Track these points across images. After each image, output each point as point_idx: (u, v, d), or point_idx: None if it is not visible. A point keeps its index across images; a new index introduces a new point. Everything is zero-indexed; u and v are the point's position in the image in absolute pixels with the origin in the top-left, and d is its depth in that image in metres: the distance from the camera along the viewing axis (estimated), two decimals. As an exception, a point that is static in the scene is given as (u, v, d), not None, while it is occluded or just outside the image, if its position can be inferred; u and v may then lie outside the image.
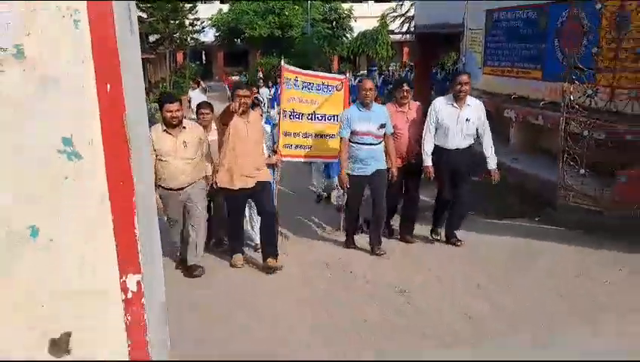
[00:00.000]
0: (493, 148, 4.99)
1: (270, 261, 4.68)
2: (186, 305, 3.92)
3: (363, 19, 26.47)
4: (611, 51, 5.92)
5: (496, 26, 9.65)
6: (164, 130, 4.34)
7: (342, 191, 5.68)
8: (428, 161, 5.02)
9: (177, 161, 4.31)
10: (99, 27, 1.22)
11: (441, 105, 4.98)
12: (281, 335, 3.60)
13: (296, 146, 5.68)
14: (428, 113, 5.05)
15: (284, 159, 5.56)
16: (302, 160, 5.97)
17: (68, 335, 1.49)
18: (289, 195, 7.11)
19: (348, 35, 25.80)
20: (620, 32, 5.86)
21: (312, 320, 3.81)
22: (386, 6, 23.75)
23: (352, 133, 4.90)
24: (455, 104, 4.90)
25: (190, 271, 4.60)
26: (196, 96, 14.15)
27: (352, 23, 26.49)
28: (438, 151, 5.01)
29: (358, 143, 4.91)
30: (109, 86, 1.29)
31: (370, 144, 4.91)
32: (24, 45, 1.24)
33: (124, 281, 1.47)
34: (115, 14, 1.23)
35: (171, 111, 4.29)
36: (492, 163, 4.98)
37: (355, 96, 5.63)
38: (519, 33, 8.80)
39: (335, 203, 6.82)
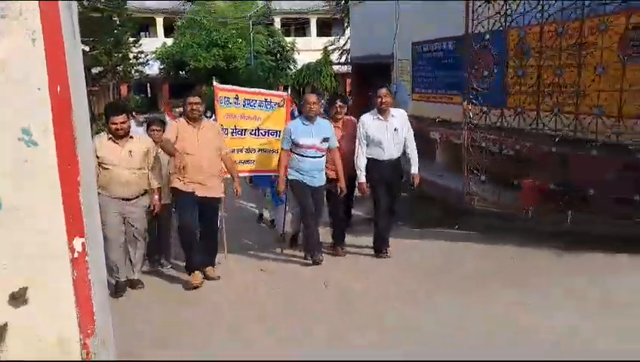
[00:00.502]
0: (416, 154, 5.23)
1: (209, 270, 4.84)
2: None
3: (306, 52, 27.48)
4: (514, 77, 6.77)
5: (422, 57, 10.56)
6: (110, 139, 4.30)
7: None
8: (362, 178, 5.15)
9: (121, 170, 4.24)
10: (51, 42, 1.65)
11: (368, 121, 5.16)
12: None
13: (240, 162, 5.78)
14: (357, 130, 5.21)
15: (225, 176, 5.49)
16: (246, 175, 6.15)
17: (25, 289, 1.85)
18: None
19: (292, 67, 26.68)
20: (521, 61, 6.71)
21: (258, 322, 3.89)
22: (327, 39, 24.85)
23: (296, 145, 4.99)
24: (381, 117, 5.12)
25: (132, 284, 4.65)
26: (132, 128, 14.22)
27: (296, 56, 27.43)
28: (372, 164, 5.14)
29: (302, 156, 5.01)
30: (59, 88, 1.71)
31: (314, 157, 5.01)
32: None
33: (72, 243, 1.85)
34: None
35: (116, 124, 4.23)
36: (414, 168, 5.22)
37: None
38: (441, 63, 9.69)
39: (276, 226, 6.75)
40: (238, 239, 6.35)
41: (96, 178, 4.02)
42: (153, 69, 25.55)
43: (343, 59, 19.19)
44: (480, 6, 5.71)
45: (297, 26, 35.12)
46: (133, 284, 4.71)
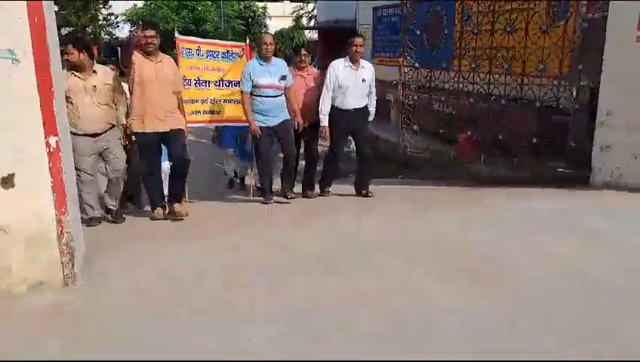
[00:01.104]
0: (374, 107, 5.34)
1: (176, 206, 4.58)
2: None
3: (278, 18, 27.57)
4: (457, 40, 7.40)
5: (381, 22, 11.10)
6: (72, 73, 4.24)
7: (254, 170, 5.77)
8: (324, 121, 5.17)
9: (87, 104, 4.22)
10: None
11: (339, 67, 5.12)
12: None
13: (204, 112, 5.82)
14: (327, 74, 5.17)
15: (190, 125, 5.38)
16: (210, 125, 6.21)
17: (12, 175, 2.44)
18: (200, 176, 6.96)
19: (263, 32, 26.80)
20: (463, 27, 7.33)
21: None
22: (297, 5, 25.05)
23: (255, 86, 5.03)
24: (352, 66, 5.09)
25: (115, 216, 4.53)
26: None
27: (268, 21, 27.51)
28: (336, 112, 5.16)
29: (261, 96, 5.06)
30: (36, 18, 2.27)
31: (273, 96, 5.07)
32: None
33: (47, 140, 2.44)
34: None
35: (68, 54, 4.13)
36: (372, 111, 5.32)
37: None
38: (397, 28, 10.25)
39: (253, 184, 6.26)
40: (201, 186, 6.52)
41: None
42: (124, 31, 25.34)
43: (311, 25, 19.55)
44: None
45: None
46: (116, 216, 4.58)
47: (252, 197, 5.67)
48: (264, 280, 2.95)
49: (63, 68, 3.42)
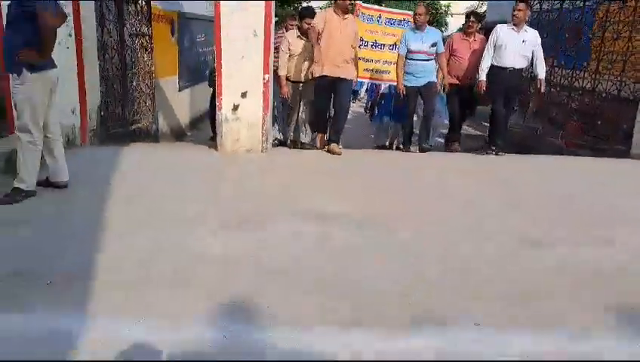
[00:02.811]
0: (543, 65, 5.65)
1: (333, 147, 5.32)
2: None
3: (460, 16, 28.63)
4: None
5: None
6: (298, 36, 5.56)
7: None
8: (482, 76, 5.60)
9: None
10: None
11: (502, 29, 5.54)
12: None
13: (376, 71, 6.50)
14: (490, 35, 5.61)
15: (362, 80, 6.39)
16: (380, 82, 6.76)
17: (246, 92, 4.93)
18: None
19: (443, 30, 28.12)
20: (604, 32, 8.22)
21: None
22: (472, 4, 25.87)
23: (409, 51, 5.57)
24: (515, 28, 5.49)
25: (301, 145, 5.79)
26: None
27: (448, 19, 28.78)
28: (495, 69, 5.55)
29: (413, 60, 5.60)
30: (267, 10, 4.69)
31: (422, 60, 5.60)
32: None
33: (264, 76, 4.85)
34: None
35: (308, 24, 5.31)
36: (541, 73, 5.61)
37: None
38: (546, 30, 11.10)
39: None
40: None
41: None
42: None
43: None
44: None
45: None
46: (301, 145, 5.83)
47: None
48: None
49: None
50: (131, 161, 4.68)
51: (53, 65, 3.59)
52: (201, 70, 10.00)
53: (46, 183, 3.78)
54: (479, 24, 6.25)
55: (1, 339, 2.11)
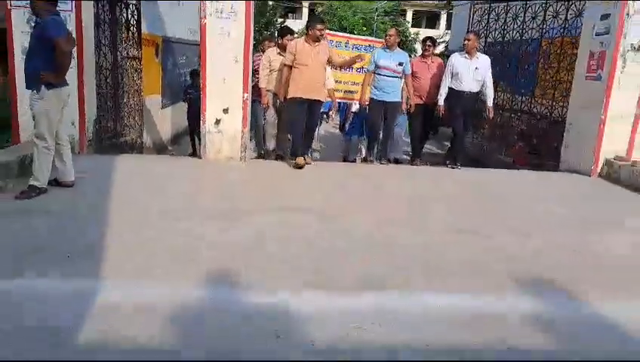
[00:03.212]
0: (491, 93, 6.40)
1: (299, 159, 5.70)
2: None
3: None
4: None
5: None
6: (278, 53, 6.04)
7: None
8: (441, 101, 6.34)
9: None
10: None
11: (456, 57, 6.32)
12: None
13: (346, 91, 7.09)
14: (447, 63, 6.33)
15: (328, 100, 6.56)
16: (350, 101, 7.34)
17: (227, 108, 5.69)
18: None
19: (412, 56, 29.61)
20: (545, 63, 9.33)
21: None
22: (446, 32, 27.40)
23: (377, 67, 6.16)
24: (467, 56, 6.23)
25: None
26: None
27: (416, 46, 30.23)
28: (454, 93, 6.24)
29: (380, 75, 6.19)
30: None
31: (389, 76, 6.18)
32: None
33: (243, 95, 5.62)
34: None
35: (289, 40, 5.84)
36: (489, 101, 6.38)
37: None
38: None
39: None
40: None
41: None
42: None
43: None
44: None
45: (428, 18, 37.66)
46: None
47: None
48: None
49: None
50: (127, 167, 5.36)
51: (65, 84, 4.29)
52: (182, 89, 10.74)
53: (55, 183, 4.43)
54: (435, 47, 6.95)
55: (29, 302, 2.66)
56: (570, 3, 6.99)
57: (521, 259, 3.55)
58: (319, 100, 5.76)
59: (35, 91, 4.12)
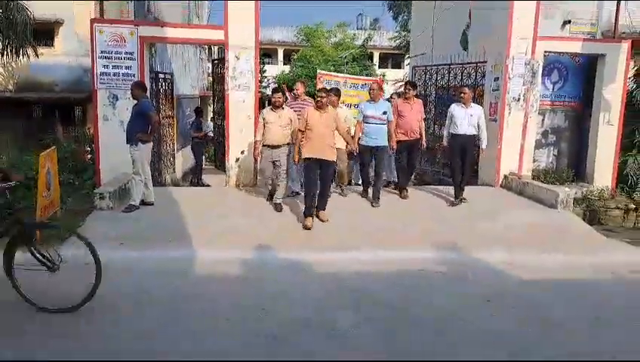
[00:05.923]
0: (485, 135, 7.55)
1: (322, 213, 6.52)
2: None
3: (396, 83, 33.52)
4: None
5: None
6: (271, 109, 6.90)
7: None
8: (445, 142, 7.71)
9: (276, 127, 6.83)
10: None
11: (454, 106, 7.54)
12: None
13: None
14: (448, 112, 7.57)
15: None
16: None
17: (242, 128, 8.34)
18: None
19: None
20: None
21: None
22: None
23: (365, 116, 7.11)
24: (464, 105, 7.43)
25: (276, 207, 7.12)
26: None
27: (385, 86, 33.57)
28: (454, 136, 7.43)
29: (368, 123, 7.13)
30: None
31: (375, 124, 7.13)
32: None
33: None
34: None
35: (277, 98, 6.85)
36: (483, 144, 7.60)
37: None
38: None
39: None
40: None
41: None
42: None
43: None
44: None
45: (393, 59, 41.20)
46: (277, 207, 7.12)
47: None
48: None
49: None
50: (179, 194, 7.92)
51: (151, 141, 6.89)
52: (188, 136, 13.35)
53: (142, 203, 6.96)
54: (415, 90, 7.89)
55: (139, 270, 5.24)
56: (478, 67, 9.87)
57: (437, 233, 6.29)
58: (329, 160, 6.35)
59: (133, 145, 6.70)
